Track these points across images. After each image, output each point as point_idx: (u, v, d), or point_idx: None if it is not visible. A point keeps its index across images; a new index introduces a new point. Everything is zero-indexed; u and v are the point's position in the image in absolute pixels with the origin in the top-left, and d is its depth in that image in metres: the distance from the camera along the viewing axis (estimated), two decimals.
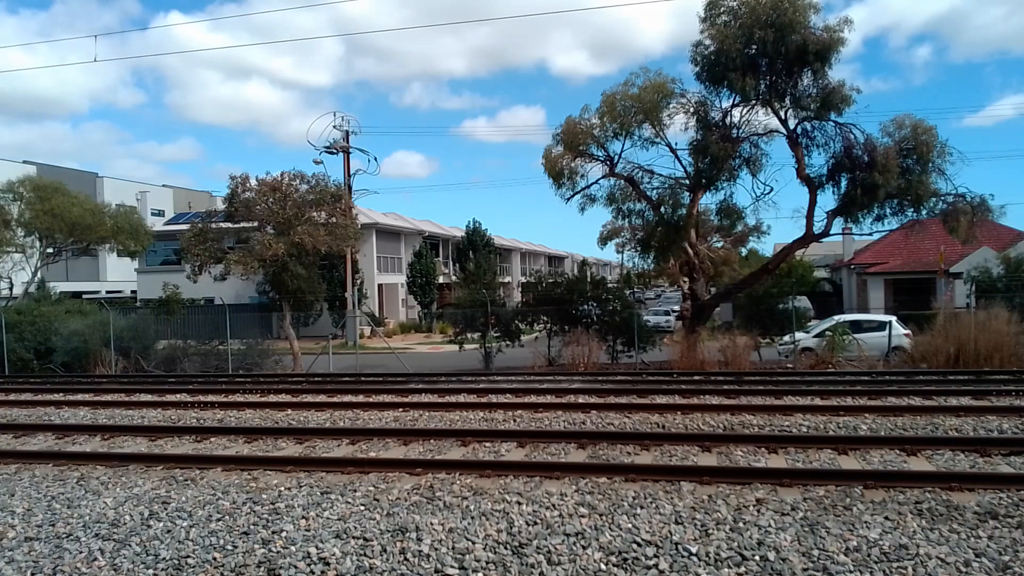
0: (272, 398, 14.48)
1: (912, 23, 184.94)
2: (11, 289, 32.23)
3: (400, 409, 12.59)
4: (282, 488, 7.85)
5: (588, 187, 21.55)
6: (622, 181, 21.36)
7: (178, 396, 15.14)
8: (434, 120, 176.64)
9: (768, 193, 20.53)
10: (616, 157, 20.86)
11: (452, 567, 5.64)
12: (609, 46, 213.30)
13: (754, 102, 19.19)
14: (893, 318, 21.20)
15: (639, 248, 24.17)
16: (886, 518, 6.35)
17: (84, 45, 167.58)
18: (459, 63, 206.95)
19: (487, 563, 5.69)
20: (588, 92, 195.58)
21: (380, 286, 41.46)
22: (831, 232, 20.15)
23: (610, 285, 27.07)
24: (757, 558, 5.58)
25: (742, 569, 5.44)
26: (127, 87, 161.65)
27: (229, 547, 6.22)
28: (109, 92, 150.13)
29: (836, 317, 22.68)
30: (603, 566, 5.56)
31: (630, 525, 6.30)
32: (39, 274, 32.18)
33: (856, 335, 20.08)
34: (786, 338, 21.21)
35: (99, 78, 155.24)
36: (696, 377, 16.17)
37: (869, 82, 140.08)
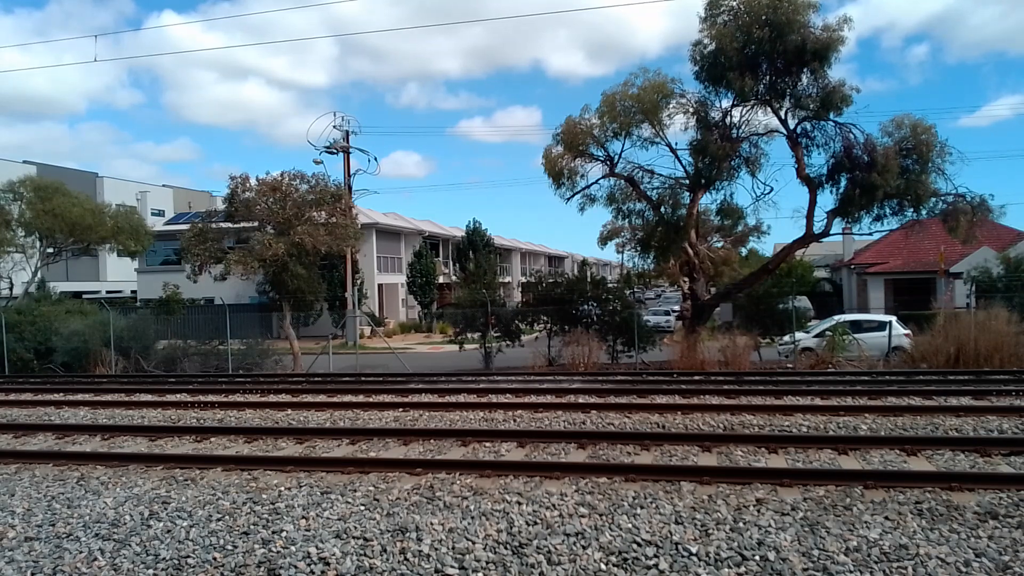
0: (272, 398, 14.47)
1: (907, 23, 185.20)
2: (11, 289, 32.23)
3: (400, 409, 12.59)
4: (282, 488, 7.85)
5: (588, 187, 21.58)
6: (622, 181, 21.37)
7: (178, 396, 15.14)
8: (431, 120, 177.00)
9: (768, 193, 20.59)
10: (616, 157, 20.89)
11: (452, 567, 5.64)
12: (605, 46, 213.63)
13: (753, 102, 19.20)
14: (893, 318, 21.20)
15: (639, 248, 24.17)
16: (886, 518, 6.35)
17: (81, 45, 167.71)
18: (454, 63, 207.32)
19: (487, 563, 5.69)
20: (585, 92, 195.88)
21: (380, 286, 41.45)
22: (831, 232, 20.17)
23: (610, 285, 27.06)
24: (757, 558, 5.57)
25: (742, 569, 5.43)
26: (124, 87, 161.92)
27: (229, 547, 6.22)
28: (106, 92, 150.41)
29: (836, 317, 22.68)
30: (603, 566, 5.56)
31: (630, 525, 6.30)
32: (39, 274, 32.18)
33: (856, 335, 20.08)
34: (786, 338, 21.21)
35: (96, 78, 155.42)
36: (696, 377, 16.16)
37: (865, 82, 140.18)
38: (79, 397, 15.27)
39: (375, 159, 65.41)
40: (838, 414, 10.98)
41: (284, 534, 6.43)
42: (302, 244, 21.50)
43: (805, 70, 18.25)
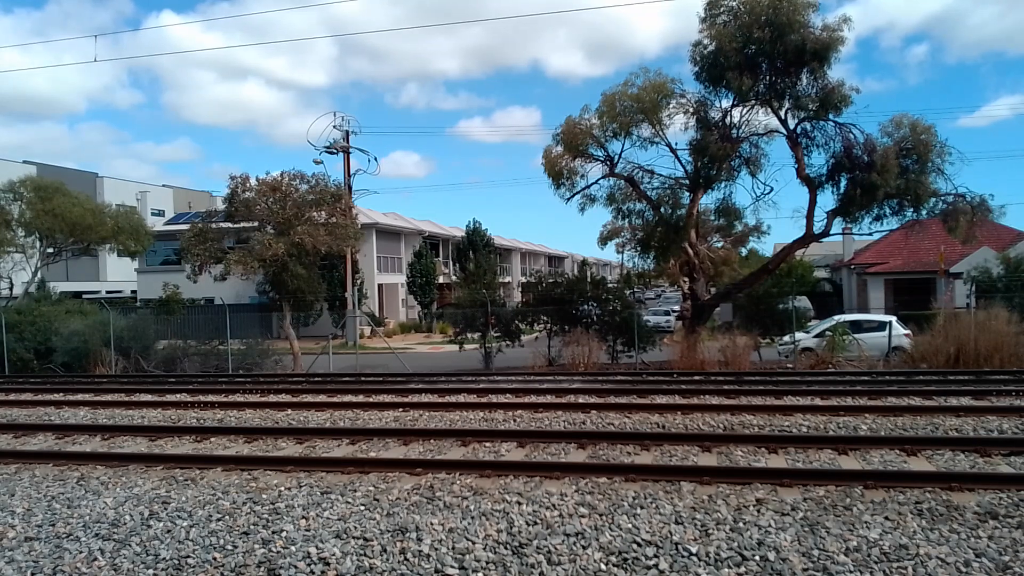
0: (272, 398, 14.47)
1: (906, 23, 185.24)
2: (11, 289, 32.23)
3: (400, 409, 12.59)
4: (282, 488, 7.85)
5: (588, 187, 21.56)
6: (622, 181, 21.36)
7: (178, 396, 15.14)
8: (430, 120, 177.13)
9: (768, 193, 20.58)
10: (616, 157, 20.88)
11: (452, 567, 5.64)
12: (604, 46, 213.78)
13: (753, 102, 19.19)
14: (893, 318, 21.20)
15: (639, 248, 24.17)
16: (886, 518, 6.35)
17: (80, 45, 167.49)
18: (453, 63, 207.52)
19: (487, 563, 5.69)
20: (584, 92, 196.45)
21: (380, 286, 41.45)
22: (831, 232, 20.17)
23: (610, 285, 27.06)
24: (757, 558, 5.58)
25: (742, 569, 5.44)
26: (124, 87, 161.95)
27: (229, 547, 6.22)
28: (106, 92, 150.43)
29: (836, 317, 22.68)
30: (603, 566, 5.56)
31: (630, 525, 6.30)
32: (39, 274, 32.18)
33: (856, 335, 20.08)
34: (786, 338, 21.21)
35: (96, 78, 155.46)
36: (696, 377, 16.16)
37: (864, 82, 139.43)
38: (79, 397, 15.27)
39: (375, 159, 65.29)
40: (838, 414, 10.98)
41: (284, 534, 6.43)
42: (302, 244, 21.50)
43: (805, 70, 18.24)
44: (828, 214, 19.59)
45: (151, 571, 5.86)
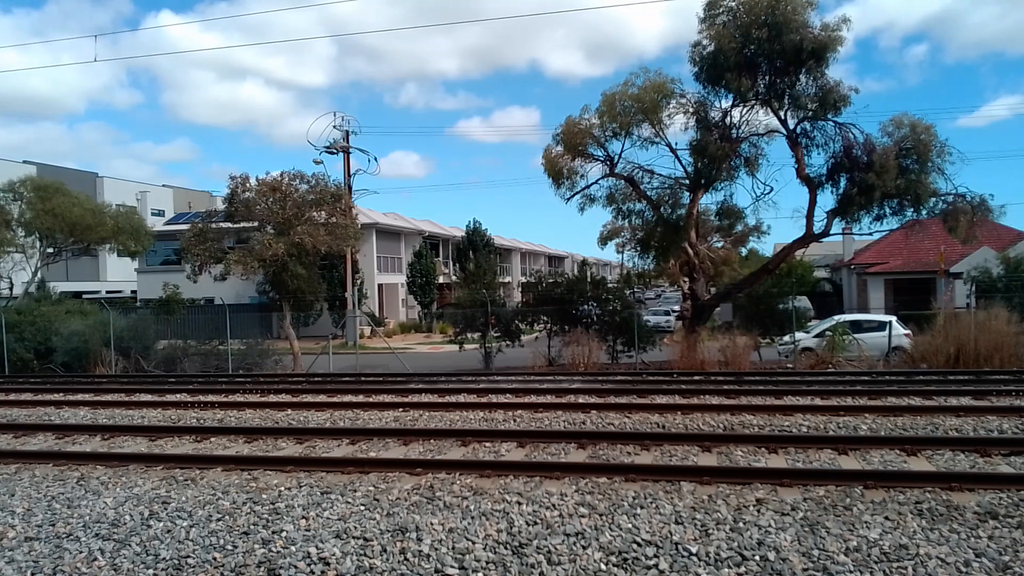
0: (272, 398, 14.47)
1: (905, 23, 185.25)
2: (11, 289, 32.23)
3: (400, 409, 12.60)
4: (282, 488, 7.85)
5: (588, 187, 21.58)
6: (622, 181, 21.37)
7: (178, 396, 15.14)
8: (429, 120, 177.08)
9: (768, 193, 20.60)
10: (616, 157, 20.89)
11: (452, 567, 5.64)
12: (603, 46, 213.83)
13: (753, 102, 19.20)
14: (893, 318, 21.19)
15: (639, 248, 24.17)
16: (886, 518, 6.35)
17: (79, 45, 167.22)
18: (452, 63, 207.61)
19: (487, 563, 5.69)
20: (583, 92, 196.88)
21: (380, 286, 41.46)
22: (831, 232, 20.16)
23: (610, 285, 27.06)
24: (757, 558, 5.57)
25: (742, 569, 5.43)
26: (123, 87, 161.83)
27: (229, 547, 6.22)
28: (105, 92, 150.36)
29: (836, 317, 22.68)
30: (603, 566, 5.56)
31: (630, 525, 6.30)
32: (39, 274, 32.18)
33: (856, 335, 20.08)
34: (786, 338, 21.21)
35: (95, 78, 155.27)
36: (696, 377, 16.16)
37: (863, 82, 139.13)
38: (79, 397, 15.27)
39: (375, 159, 65.03)
40: (838, 414, 10.98)
41: (284, 534, 6.43)
42: (302, 244, 21.50)
43: (803, 70, 18.23)
44: (828, 214, 19.59)
45: (151, 571, 5.86)
